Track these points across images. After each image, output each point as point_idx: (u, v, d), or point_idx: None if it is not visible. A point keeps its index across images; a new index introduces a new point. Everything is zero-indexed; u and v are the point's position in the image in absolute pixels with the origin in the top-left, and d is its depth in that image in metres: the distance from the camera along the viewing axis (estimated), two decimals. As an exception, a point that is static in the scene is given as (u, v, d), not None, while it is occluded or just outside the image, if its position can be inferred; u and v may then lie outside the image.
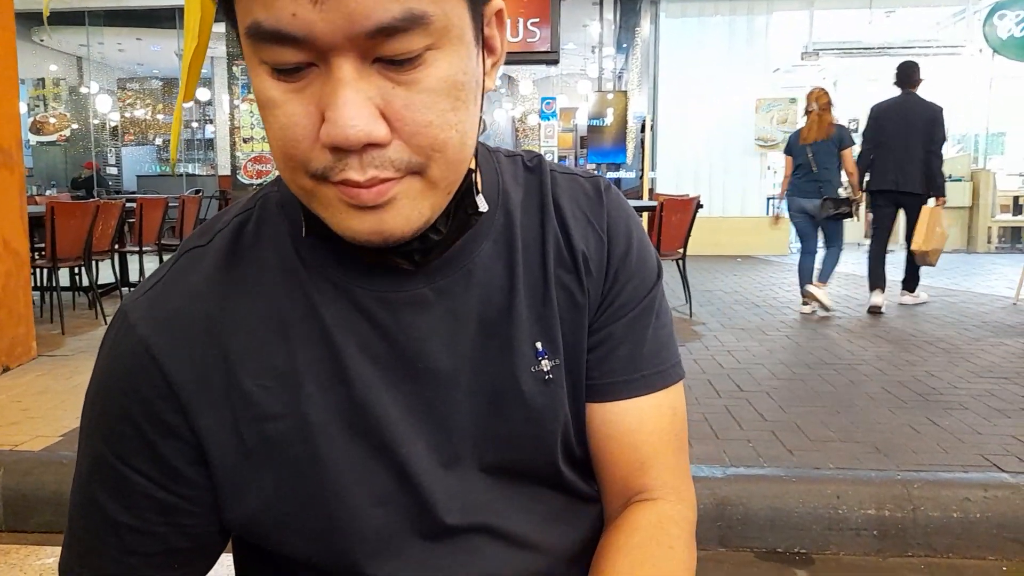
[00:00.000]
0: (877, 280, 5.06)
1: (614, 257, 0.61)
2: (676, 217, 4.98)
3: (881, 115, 5.07)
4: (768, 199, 9.65)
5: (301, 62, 0.43)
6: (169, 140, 12.53)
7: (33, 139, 11.36)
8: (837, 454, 2.42)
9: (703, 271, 7.26)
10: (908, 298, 5.32)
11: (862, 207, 5.13)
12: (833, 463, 2.34)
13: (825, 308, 4.91)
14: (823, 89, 4.97)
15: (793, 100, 9.18)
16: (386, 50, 0.42)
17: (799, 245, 5.20)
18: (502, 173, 0.62)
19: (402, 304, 0.54)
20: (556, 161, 0.67)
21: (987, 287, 6.19)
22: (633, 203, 5.72)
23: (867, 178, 5.09)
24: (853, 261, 8.45)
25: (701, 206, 5.17)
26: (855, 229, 10.81)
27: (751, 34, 9.16)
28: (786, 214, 5.20)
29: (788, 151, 5.11)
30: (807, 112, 4.94)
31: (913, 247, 5.01)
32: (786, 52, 9.50)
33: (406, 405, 0.55)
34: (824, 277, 4.96)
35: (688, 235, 5.10)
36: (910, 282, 5.33)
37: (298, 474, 0.53)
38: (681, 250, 5.11)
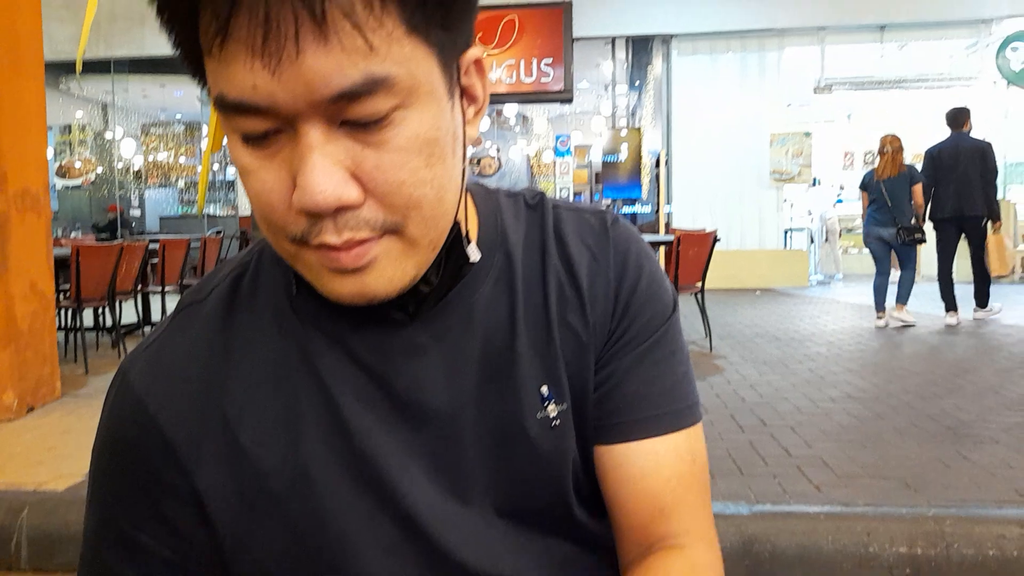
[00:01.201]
0: (950, 302, 5.77)
1: (622, 292, 0.59)
2: (693, 251, 4.98)
3: (936, 155, 5.87)
4: (786, 231, 9.62)
5: (269, 129, 0.43)
6: (192, 183, 12.78)
7: (59, 183, 11.62)
8: (866, 490, 2.37)
9: (722, 304, 7.22)
10: (982, 313, 5.95)
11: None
12: (862, 499, 2.29)
13: (909, 324, 5.68)
14: (895, 135, 5.80)
15: (808, 134, 9.21)
16: (351, 114, 0.42)
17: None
18: (502, 213, 0.60)
19: (397, 351, 0.54)
20: (571, 197, 0.65)
21: (1013, 318, 6.09)
22: (649, 237, 5.77)
23: (928, 211, 5.84)
24: (873, 293, 8.36)
25: (718, 240, 5.17)
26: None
27: (763, 69, 9.24)
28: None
29: (863, 187, 5.93)
30: (881, 153, 5.78)
31: (993, 273, 5.77)
32: (799, 86, 9.56)
33: (408, 452, 0.54)
34: (903, 299, 5.71)
35: (706, 269, 5.10)
36: (982, 299, 5.94)
37: (302, 528, 0.52)
38: (699, 284, 5.10)
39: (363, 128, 0.42)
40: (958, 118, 5.86)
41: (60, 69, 10.33)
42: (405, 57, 0.42)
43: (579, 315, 0.58)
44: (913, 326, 5.66)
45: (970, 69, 9.36)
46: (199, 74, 0.44)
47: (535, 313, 0.57)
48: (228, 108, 0.42)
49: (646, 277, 0.60)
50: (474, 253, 0.54)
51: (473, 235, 0.58)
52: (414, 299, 0.52)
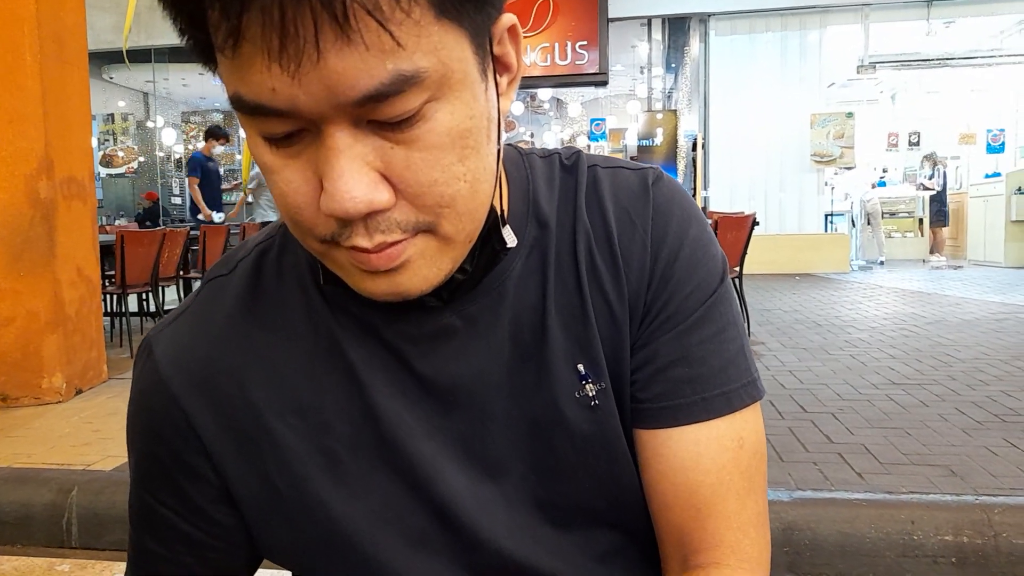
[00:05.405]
0: None
1: (659, 261, 0.53)
2: (731, 235, 4.90)
3: None
4: (827, 215, 9.43)
5: (291, 130, 0.40)
6: (230, 171, 12.98)
7: (103, 172, 11.90)
8: (910, 478, 2.32)
9: (761, 289, 7.11)
10: None
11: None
12: (906, 487, 2.24)
13: None
14: None
15: (850, 114, 8.98)
16: (379, 115, 0.39)
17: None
18: (534, 180, 0.56)
19: (428, 336, 0.52)
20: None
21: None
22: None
23: None
24: (918, 278, 8.19)
25: (757, 223, 5.08)
26: (918, 246, 10.49)
27: (804, 49, 9.03)
28: None
29: None
30: None
31: None
32: (841, 66, 9.33)
33: (440, 438, 0.52)
34: None
35: (744, 253, 5.02)
36: None
37: (331, 514, 0.52)
38: (737, 268, 5.02)
39: (392, 126, 0.40)
40: None
41: (103, 59, 10.54)
42: (434, 46, 0.39)
43: (614, 286, 0.53)
44: None
45: (1022, 46, 9.03)
46: (211, 65, 0.41)
47: (567, 286, 0.53)
48: (246, 110, 0.40)
49: (690, 243, 0.54)
50: (510, 238, 0.52)
51: (504, 209, 0.54)
52: (448, 286, 0.50)
